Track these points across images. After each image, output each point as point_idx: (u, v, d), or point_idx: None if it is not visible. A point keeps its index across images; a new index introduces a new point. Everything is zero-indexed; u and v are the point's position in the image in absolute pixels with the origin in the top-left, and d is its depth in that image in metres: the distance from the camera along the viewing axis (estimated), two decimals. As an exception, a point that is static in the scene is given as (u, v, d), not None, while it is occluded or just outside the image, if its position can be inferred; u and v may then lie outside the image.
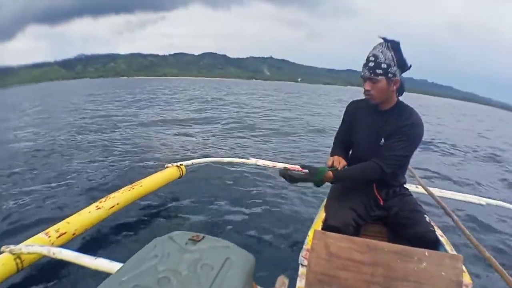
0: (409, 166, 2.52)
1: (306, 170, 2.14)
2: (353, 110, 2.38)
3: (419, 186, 3.29)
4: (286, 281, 1.53)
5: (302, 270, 1.58)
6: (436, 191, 3.26)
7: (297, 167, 3.79)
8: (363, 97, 2.23)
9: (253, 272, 1.35)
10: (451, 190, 3.74)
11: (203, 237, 1.41)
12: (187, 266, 1.22)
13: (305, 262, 1.56)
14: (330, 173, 2.11)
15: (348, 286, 1.46)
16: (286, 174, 2.12)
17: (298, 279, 1.58)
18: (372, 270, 1.49)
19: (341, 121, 2.49)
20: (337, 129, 2.52)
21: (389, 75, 2.02)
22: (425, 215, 2.11)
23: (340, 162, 2.22)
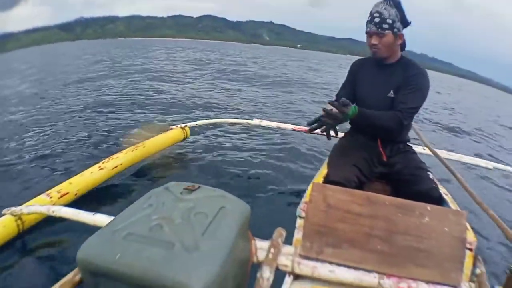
0: (414, 125, 2.47)
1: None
2: (358, 68, 2.40)
3: (425, 148, 3.22)
4: (284, 233, 1.52)
5: (300, 222, 1.56)
6: (441, 153, 3.20)
7: (304, 128, 3.78)
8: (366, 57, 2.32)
9: (248, 222, 1.33)
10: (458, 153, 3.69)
11: (199, 187, 1.39)
12: (180, 214, 1.20)
13: (303, 214, 1.53)
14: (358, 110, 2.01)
15: (346, 237, 1.43)
16: (332, 114, 1.91)
17: (296, 231, 1.56)
18: (371, 223, 1.46)
19: (344, 80, 2.49)
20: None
21: (395, 29, 2.09)
22: (429, 173, 2.09)
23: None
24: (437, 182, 2.07)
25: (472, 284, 1.35)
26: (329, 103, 1.94)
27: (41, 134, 5.21)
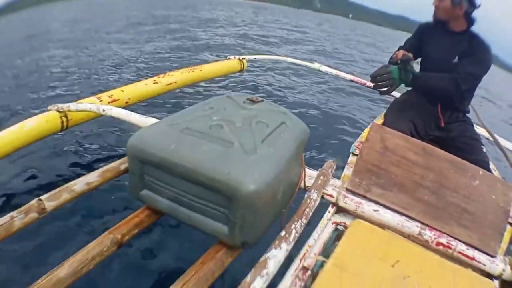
0: (472, 104, 2.40)
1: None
2: (425, 30, 2.38)
3: (479, 128, 3.08)
4: (334, 165, 1.51)
5: (352, 159, 1.55)
6: (497, 136, 3.07)
7: (362, 81, 3.70)
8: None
9: (305, 144, 1.33)
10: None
11: (262, 100, 1.38)
12: (241, 119, 1.20)
13: (357, 152, 1.52)
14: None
15: (397, 182, 1.42)
16: (407, 63, 2.05)
17: (346, 167, 1.55)
18: (424, 173, 1.44)
19: (411, 36, 2.48)
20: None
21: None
22: (483, 146, 2.10)
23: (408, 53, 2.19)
24: (488, 158, 2.05)
25: (507, 259, 1.32)
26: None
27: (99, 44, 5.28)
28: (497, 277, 1.29)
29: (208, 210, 1.07)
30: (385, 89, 2.12)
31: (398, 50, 2.35)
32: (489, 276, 1.28)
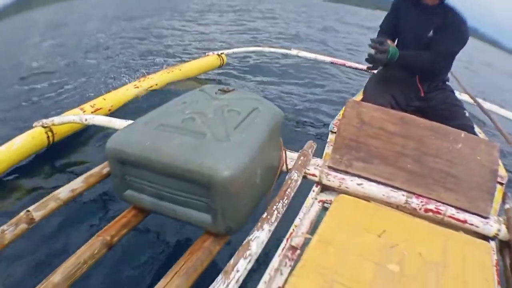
0: (453, 71, 2.40)
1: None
2: (399, 6, 2.34)
3: (461, 94, 3.10)
4: (314, 145, 1.53)
5: (331, 137, 1.56)
6: (479, 100, 3.08)
7: (342, 61, 3.73)
8: None
9: (280, 127, 1.34)
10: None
11: (233, 89, 1.39)
12: (213, 110, 1.22)
13: (335, 129, 1.53)
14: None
15: (377, 153, 1.43)
16: (379, 49, 1.96)
17: (327, 145, 1.57)
18: (404, 142, 1.44)
19: (387, 14, 2.44)
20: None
21: None
22: (465, 111, 2.08)
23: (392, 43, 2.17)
24: (472, 122, 2.05)
25: (501, 219, 1.33)
26: (371, 40, 1.98)
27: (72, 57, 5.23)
28: (493, 238, 1.29)
29: (190, 202, 1.09)
30: (377, 59, 2.04)
31: (380, 30, 2.38)
32: (485, 238, 1.28)
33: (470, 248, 1.16)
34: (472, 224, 1.28)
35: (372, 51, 1.97)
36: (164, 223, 1.80)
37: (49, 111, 2.99)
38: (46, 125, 2.19)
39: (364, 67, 2.11)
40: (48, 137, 2.22)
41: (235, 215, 1.07)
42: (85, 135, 2.57)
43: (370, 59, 2.00)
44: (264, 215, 1.04)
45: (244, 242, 0.94)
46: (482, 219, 1.29)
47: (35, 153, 2.23)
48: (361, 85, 4.27)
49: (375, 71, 2.37)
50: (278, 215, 1.07)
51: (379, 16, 2.58)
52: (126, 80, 3.49)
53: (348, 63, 3.55)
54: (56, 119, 2.16)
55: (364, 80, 2.16)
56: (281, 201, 1.12)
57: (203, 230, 1.16)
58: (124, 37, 6.71)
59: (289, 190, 1.19)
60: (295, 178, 1.26)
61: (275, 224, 1.04)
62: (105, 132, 2.51)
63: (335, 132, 1.52)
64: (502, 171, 1.51)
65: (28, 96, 3.55)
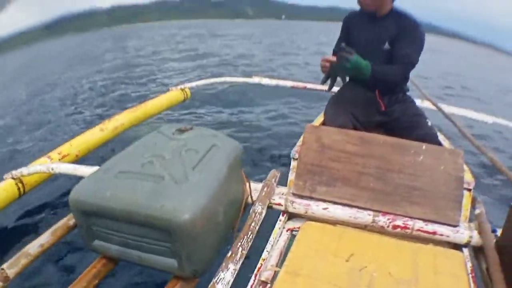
0: (412, 78, 2.44)
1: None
2: (350, 20, 2.33)
3: (423, 101, 3.18)
4: (278, 174, 1.53)
5: (293, 164, 1.57)
6: (441, 105, 3.17)
7: (302, 84, 3.79)
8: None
9: (240, 160, 1.35)
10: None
11: (191, 127, 1.39)
12: (171, 151, 1.22)
13: (296, 156, 1.54)
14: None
15: (339, 176, 1.44)
16: (343, 57, 1.83)
17: (290, 173, 1.57)
18: (365, 161, 1.46)
19: (339, 33, 2.42)
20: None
21: None
22: (427, 120, 2.09)
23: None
24: (435, 130, 2.07)
25: (472, 225, 1.35)
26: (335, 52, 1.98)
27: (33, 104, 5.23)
28: (466, 245, 1.30)
29: (155, 248, 1.08)
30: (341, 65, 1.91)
31: (333, 54, 2.26)
32: (458, 246, 1.29)
33: (441, 259, 1.17)
34: (442, 235, 1.29)
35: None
36: (136, 270, 1.78)
37: (19, 161, 2.97)
38: (15, 177, 2.15)
39: (325, 87, 2.11)
40: (18, 188, 2.14)
41: (200, 257, 1.06)
42: (55, 182, 2.52)
43: (329, 72, 1.97)
44: (229, 254, 1.03)
45: (210, 285, 0.93)
46: (452, 228, 1.30)
47: (7, 206, 2.18)
48: (322, 107, 4.37)
49: (336, 90, 2.35)
50: (243, 252, 1.06)
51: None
52: (91, 123, 3.46)
53: (309, 85, 3.58)
54: (24, 170, 2.11)
55: (323, 102, 2.18)
56: (245, 236, 1.12)
57: (171, 275, 1.15)
58: (87, 79, 6.75)
59: (253, 224, 1.19)
60: (259, 210, 1.27)
61: (241, 261, 1.03)
62: (74, 179, 2.48)
63: (296, 159, 1.53)
64: (468, 177, 1.52)
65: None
